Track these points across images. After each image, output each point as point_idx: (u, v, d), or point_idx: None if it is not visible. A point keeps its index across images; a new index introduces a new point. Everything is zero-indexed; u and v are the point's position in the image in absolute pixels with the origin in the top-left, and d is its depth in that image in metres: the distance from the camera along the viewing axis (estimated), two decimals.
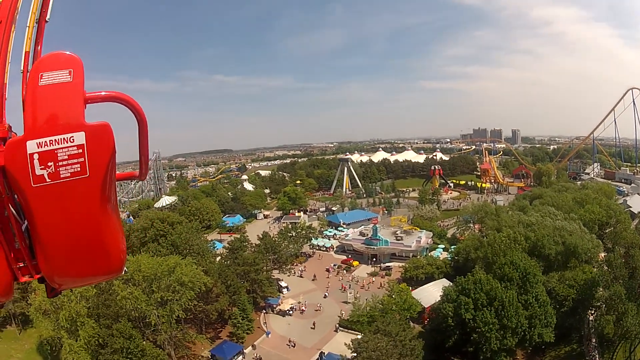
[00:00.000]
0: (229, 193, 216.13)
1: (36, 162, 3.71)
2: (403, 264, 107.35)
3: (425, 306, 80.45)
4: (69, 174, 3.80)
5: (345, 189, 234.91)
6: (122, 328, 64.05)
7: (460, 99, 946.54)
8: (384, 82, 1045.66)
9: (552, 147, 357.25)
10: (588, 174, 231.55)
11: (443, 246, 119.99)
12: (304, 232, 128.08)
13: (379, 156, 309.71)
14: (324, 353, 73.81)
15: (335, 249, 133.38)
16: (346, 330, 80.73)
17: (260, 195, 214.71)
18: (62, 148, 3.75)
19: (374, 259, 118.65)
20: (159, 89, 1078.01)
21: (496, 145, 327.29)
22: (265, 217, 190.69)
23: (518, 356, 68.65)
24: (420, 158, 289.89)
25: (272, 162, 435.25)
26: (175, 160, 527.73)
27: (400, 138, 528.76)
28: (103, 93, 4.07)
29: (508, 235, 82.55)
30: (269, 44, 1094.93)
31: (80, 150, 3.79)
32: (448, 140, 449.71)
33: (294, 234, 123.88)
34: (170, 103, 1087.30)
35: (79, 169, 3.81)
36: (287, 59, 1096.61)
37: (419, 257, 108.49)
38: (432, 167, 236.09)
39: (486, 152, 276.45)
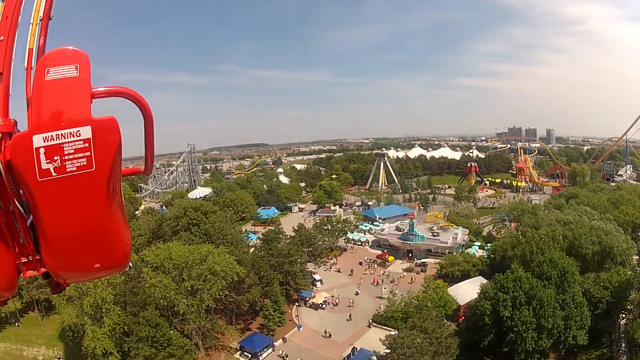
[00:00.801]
0: (264, 185, 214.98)
1: (42, 156, 3.69)
2: (438, 260, 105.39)
3: (461, 304, 79.04)
4: (75, 168, 3.78)
5: (381, 184, 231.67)
6: (149, 316, 62.89)
7: (495, 97, 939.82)
8: (420, 79, 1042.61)
9: (585, 147, 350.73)
10: (621, 175, 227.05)
11: (479, 244, 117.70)
12: (339, 225, 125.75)
13: (415, 152, 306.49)
14: (356, 348, 71.76)
15: (370, 243, 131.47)
16: (379, 326, 78.63)
17: (295, 188, 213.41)
18: (68, 142, 3.73)
19: (410, 255, 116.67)
20: (196, 82, 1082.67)
21: (531, 145, 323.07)
22: (301, 210, 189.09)
23: (550, 359, 66.18)
24: (457, 155, 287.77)
25: (308, 156, 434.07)
26: (210, 154, 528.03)
27: (436, 135, 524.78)
28: (109, 88, 4.05)
29: (547, 232, 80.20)
30: (308, 38, 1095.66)
31: (87, 145, 3.78)
32: (483, 138, 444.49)
33: (329, 227, 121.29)
34: (207, 96, 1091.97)
35: (85, 163, 3.80)
36: (326, 53, 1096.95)
37: (454, 254, 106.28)
38: (469, 164, 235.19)
39: (521, 150, 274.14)
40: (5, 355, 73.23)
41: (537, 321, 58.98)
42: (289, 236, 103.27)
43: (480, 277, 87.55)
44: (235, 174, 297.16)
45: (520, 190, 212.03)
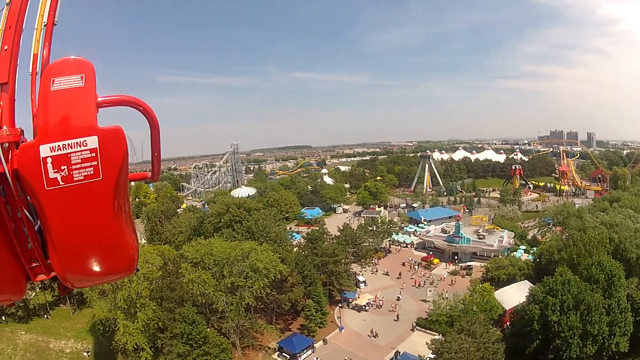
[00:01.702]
0: (308, 186, 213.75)
1: (50, 165, 3.75)
2: (484, 264, 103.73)
3: (507, 308, 76.51)
4: (83, 177, 3.84)
5: (426, 186, 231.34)
6: (186, 312, 62.01)
7: (536, 100, 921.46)
8: (461, 80, 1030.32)
9: (625, 151, 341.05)
10: None
11: (524, 247, 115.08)
12: (384, 226, 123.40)
13: (459, 155, 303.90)
14: (399, 352, 69.43)
15: (415, 245, 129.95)
16: (423, 329, 76.99)
17: (340, 189, 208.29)
18: (75, 152, 3.79)
19: (455, 257, 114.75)
20: (237, 84, 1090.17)
21: (573, 148, 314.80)
22: (345, 211, 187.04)
23: None
24: (500, 158, 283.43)
25: (352, 158, 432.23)
26: (253, 155, 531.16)
27: (479, 139, 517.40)
28: (115, 97, 4.13)
29: (595, 235, 78.01)
30: (347, 40, 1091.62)
31: (94, 154, 3.83)
32: (526, 141, 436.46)
33: (374, 228, 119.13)
34: (249, 98, 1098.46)
35: (92, 172, 3.86)
36: (366, 55, 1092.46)
37: (500, 257, 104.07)
38: (513, 167, 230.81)
39: (564, 154, 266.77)
40: (30, 347, 72.38)
41: (583, 327, 56.80)
42: (333, 236, 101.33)
43: (526, 281, 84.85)
44: (279, 175, 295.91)
45: (564, 194, 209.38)
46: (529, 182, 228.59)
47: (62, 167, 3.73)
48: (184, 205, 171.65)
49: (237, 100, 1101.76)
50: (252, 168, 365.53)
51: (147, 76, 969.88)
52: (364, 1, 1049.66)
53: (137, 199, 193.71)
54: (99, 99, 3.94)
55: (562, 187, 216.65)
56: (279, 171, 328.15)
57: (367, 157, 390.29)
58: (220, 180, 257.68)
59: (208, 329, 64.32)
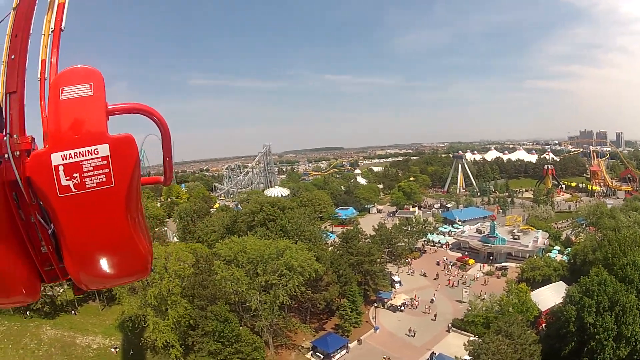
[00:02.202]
0: (342, 187, 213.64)
1: (62, 173, 3.81)
2: (518, 264, 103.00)
3: (542, 310, 75.25)
4: (95, 184, 3.89)
5: (459, 186, 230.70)
6: (218, 310, 61.53)
7: (565, 100, 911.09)
8: (491, 81, 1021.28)
9: None
10: None
11: (558, 248, 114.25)
12: (419, 226, 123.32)
13: (491, 155, 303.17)
14: (434, 353, 68.54)
15: (450, 246, 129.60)
16: (459, 331, 75.95)
17: (374, 189, 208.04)
18: (87, 160, 3.84)
19: (491, 258, 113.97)
20: (269, 87, 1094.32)
21: (602, 148, 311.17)
22: (379, 211, 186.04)
23: None
24: (532, 158, 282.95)
25: (384, 160, 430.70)
26: (286, 156, 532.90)
27: (510, 139, 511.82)
28: (125, 105, 4.19)
29: (629, 234, 77.77)
30: (377, 42, 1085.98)
31: (105, 162, 3.89)
32: (556, 142, 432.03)
33: (409, 228, 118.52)
34: (281, 100, 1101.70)
35: (104, 179, 3.90)
36: (396, 57, 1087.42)
37: (535, 257, 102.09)
38: (545, 167, 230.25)
39: (594, 154, 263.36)
40: (55, 342, 72.43)
41: (617, 328, 55.40)
42: (368, 235, 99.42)
43: (561, 282, 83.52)
44: (312, 175, 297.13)
45: (595, 194, 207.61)
46: (561, 182, 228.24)
47: (74, 175, 3.77)
48: (216, 205, 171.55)
49: (269, 103, 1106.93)
50: (284, 169, 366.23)
51: (180, 80, 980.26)
52: (392, 4, 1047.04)
53: (169, 199, 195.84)
54: (109, 107, 3.96)
55: (594, 187, 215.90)
56: (312, 172, 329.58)
57: (400, 158, 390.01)
58: (252, 181, 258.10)
59: (240, 327, 63.71)
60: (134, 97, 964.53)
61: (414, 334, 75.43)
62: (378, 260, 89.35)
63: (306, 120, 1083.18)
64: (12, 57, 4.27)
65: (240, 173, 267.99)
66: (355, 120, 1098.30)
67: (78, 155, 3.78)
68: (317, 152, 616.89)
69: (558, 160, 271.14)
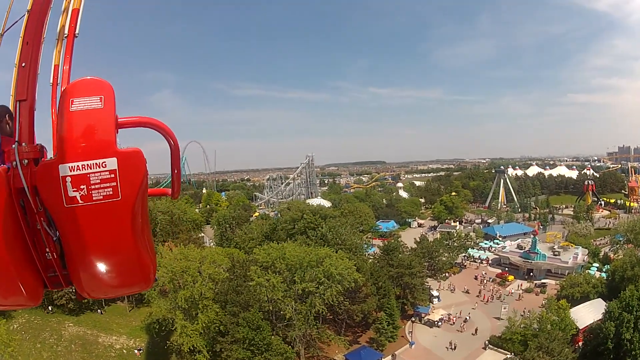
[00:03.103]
0: (384, 200, 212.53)
1: (69, 184, 3.82)
2: (557, 281, 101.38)
3: (580, 327, 73.56)
4: (102, 197, 3.90)
5: (501, 202, 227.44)
6: (251, 317, 60.85)
7: (604, 114, 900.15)
8: (532, 96, 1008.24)
9: None
10: None
11: (597, 265, 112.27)
12: (460, 241, 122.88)
13: (532, 171, 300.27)
14: None
15: (490, 261, 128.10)
16: (496, 348, 73.90)
17: (415, 202, 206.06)
18: (94, 172, 3.86)
19: (530, 274, 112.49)
20: (312, 99, 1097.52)
21: None
22: (420, 225, 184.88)
23: None
24: (573, 174, 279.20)
25: (426, 174, 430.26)
26: (328, 169, 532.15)
27: (550, 156, 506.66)
28: (135, 118, 4.29)
29: None
30: (421, 55, 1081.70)
31: (113, 175, 3.91)
32: (595, 158, 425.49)
33: (450, 242, 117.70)
34: (323, 113, 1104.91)
35: (111, 193, 3.91)
36: (439, 70, 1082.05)
37: (574, 274, 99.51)
38: (586, 182, 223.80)
39: (632, 170, 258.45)
40: (77, 339, 73.11)
41: None
42: (409, 248, 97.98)
43: (599, 299, 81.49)
44: (354, 188, 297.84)
45: (633, 210, 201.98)
46: (600, 199, 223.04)
47: (82, 187, 3.80)
48: (255, 214, 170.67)
49: (312, 115, 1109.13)
50: (326, 182, 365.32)
51: (223, 89, 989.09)
52: (436, 16, 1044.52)
53: (207, 206, 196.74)
54: (119, 120, 3.99)
55: (632, 204, 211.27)
56: (354, 184, 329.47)
57: (442, 173, 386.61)
58: (293, 191, 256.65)
59: (272, 336, 62.69)
60: (179, 104, 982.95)
61: (455, 347, 74.28)
62: (418, 273, 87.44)
63: (348, 133, 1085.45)
64: (23, 64, 4.19)
65: (282, 183, 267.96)
66: (398, 134, 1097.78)
67: (86, 167, 3.77)
68: (359, 165, 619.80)
69: (598, 176, 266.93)
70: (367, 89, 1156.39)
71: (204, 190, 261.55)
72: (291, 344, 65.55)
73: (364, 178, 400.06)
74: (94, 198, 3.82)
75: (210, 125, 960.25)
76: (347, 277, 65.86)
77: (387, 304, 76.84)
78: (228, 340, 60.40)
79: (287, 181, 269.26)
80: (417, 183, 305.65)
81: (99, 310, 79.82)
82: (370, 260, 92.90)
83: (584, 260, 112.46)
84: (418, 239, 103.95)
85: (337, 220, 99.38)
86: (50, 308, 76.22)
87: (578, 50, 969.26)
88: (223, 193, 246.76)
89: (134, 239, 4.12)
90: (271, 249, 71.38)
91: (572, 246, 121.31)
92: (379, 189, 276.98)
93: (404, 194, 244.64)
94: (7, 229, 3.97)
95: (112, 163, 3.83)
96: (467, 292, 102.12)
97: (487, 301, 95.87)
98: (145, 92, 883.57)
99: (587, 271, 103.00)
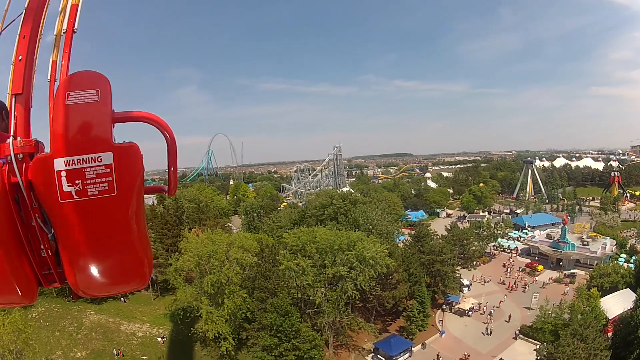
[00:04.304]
0: (412, 190, 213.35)
1: (64, 179, 3.72)
2: (587, 272, 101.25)
3: (609, 318, 72.78)
4: (97, 192, 3.81)
5: (528, 193, 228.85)
6: (279, 303, 58.85)
7: (627, 107, 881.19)
8: (556, 89, 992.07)
9: None
10: None
11: (624, 256, 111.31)
12: (490, 230, 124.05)
13: (559, 162, 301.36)
14: None
15: (519, 251, 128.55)
16: (526, 338, 74.12)
17: (444, 192, 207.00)
18: (90, 167, 3.76)
19: (560, 264, 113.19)
20: (338, 92, 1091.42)
21: None
22: (448, 215, 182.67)
23: None
24: (599, 165, 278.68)
25: (453, 166, 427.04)
26: (355, 161, 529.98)
27: (575, 149, 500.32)
28: (131, 113, 4.18)
29: None
30: (446, 48, 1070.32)
31: (108, 170, 3.82)
32: (620, 151, 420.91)
33: (480, 231, 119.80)
34: (349, 106, 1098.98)
35: (106, 188, 3.82)
36: (465, 63, 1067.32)
37: (603, 265, 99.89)
38: (612, 174, 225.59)
39: None
40: (98, 327, 73.08)
41: None
42: (440, 235, 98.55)
43: (628, 289, 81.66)
44: (382, 178, 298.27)
45: None
46: (626, 191, 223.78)
47: (77, 182, 3.69)
48: (283, 205, 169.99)
49: (338, 108, 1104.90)
50: (353, 173, 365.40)
51: (249, 85, 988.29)
52: (458, 9, 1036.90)
53: (235, 197, 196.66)
54: (115, 115, 3.91)
55: None
56: (382, 175, 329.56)
57: (469, 165, 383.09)
58: (321, 183, 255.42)
59: (301, 323, 61.40)
60: (205, 100, 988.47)
61: (490, 332, 75.38)
62: (449, 260, 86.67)
63: (374, 126, 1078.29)
64: (20, 58, 4.08)
65: (309, 175, 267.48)
66: (424, 126, 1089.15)
67: (81, 162, 3.67)
68: (386, 157, 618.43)
69: (623, 168, 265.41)
70: (393, 82, 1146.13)
71: (231, 182, 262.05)
72: (320, 331, 64.61)
73: (391, 170, 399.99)
74: (89, 193, 3.69)
75: (237, 120, 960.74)
76: (379, 262, 64.71)
77: (418, 292, 76.17)
78: (255, 327, 59.98)
79: (314, 172, 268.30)
80: (445, 174, 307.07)
81: (122, 299, 79.81)
82: (401, 246, 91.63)
83: (612, 251, 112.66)
84: (449, 226, 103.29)
85: (368, 206, 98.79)
86: (71, 296, 75.64)
87: (599, 43, 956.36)
88: (250, 184, 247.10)
89: (129, 234, 4.04)
90: (301, 233, 70.75)
91: (600, 237, 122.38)
92: (407, 180, 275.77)
93: (432, 184, 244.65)
94: (2, 225, 3.80)
95: (108, 157, 3.71)
96: (503, 282, 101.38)
97: (511, 289, 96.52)
98: (171, 87, 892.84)
99: (615, 262, 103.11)
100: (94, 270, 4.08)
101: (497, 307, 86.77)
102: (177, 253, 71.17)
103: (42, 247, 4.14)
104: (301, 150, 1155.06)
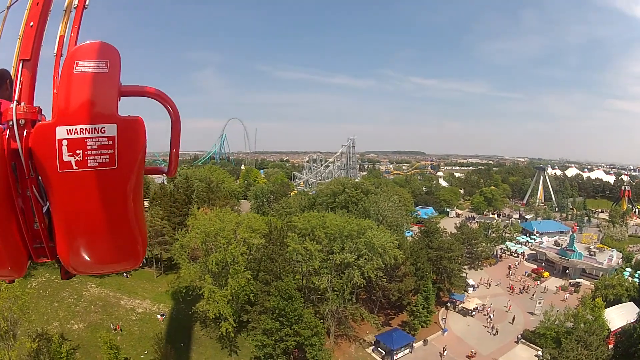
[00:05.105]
0: (423, 187, 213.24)
1: (65, 148, 3.70)
2: (591, 282, 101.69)
3: (612, 329, 73.24)
4: (97, 164, 3.77)
5: (539, 199, 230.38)
6: (283, 286, 58.39)
7: None
8: (573, 98, 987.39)
9: None
10: None
11: (630, 270, 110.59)
12: (499, 232, 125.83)
13: (571, 172, 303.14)
14: None
15: (526, 256, 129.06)
16: (528, 343, 74.52)
17: (455, 192, 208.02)
18: (92, 137, 3.73)
19: (566, 272, 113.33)
20: (356, 85, 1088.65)
21: None
22: (458, 215, 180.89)
23: None
24: (610, 179, 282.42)
25: (465, 168, 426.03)
26: (367, 156, 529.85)
27: (588, 161, 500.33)
28: (137, 87, 4.11)
29: None
30: (465, 49, 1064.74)
31: (111, 142, 3.79)
32: (632, 167, 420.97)
33: (488, 232, 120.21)
34: (365, 100, 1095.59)
35: (107, 160, 3.79)
36: (483, 65, 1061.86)
37: (608, 276, 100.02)
38: (623, 187, 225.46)
39: None
40: (97, 300, 73.34)
41: None
42: (449, 233, 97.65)
43: (631, 303, 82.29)
44: (394, 173, 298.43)
45: None
46: (635, 206, 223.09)
47: (77, 152, 3.66)
48: (293, 193, 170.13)
49: (354, 101, 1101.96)
50: (365, 167, 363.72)
51: (267, 71, 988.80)
52: (479, 10, 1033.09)
53: (245, 182, 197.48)
54: (122, 88, 3.83)
55: None
56: (394, 170, 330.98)
57: (481, 168, 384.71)
58: (333, 174, 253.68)
59: (304, 308, 61.23)
60: (222, 84, 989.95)
61: (497, 332, 76.40)
62: (457, 258, 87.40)
63: (390, 121, 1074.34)
64: (31, 24, 4.09)
65: (321, 165, 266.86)
66: (439, 126, 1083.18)
67: (84, 131, 3.64)
68: (399, 154, 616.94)
69: (634, 184, 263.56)
70: (411, 78, 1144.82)
71: (243, 167, 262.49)
72: (323, 319, 64.56)
73: (403, 166, 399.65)
74: (89, 165, 3.65)
75: (252, 107, 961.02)
76: (388, 252, 64.73)
77: (424, 287, 75.90)
78: (257, 309, 59.89)
79: (326, 163, 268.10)
80: (457, 174, 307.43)
81: (125, 274, 79.92)
82: (409, 240, 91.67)
83: (618, 263, 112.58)
84: (458, 224, 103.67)
85: (380, 196, 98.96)
86: None
87: (619, 55, 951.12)
88: (262, 170, 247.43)
89: (126, 211, 3.98)
90: (311, 217, 70.84)
91: (607, 248, 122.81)
92: (419, 177, 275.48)
93: (443, 183, 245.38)
94: None
95: (111, 129, 3.67)
96: (513, 289, 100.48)
97: (513, 291, 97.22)
98: (189, 69, 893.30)
99: (620, 274, 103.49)
100: (87, 246, 4.04)
101: (505, 310, 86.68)
102: (184, 229, 70.78)
103: (35, 219, 4.11)
104: (315, 140, 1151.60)
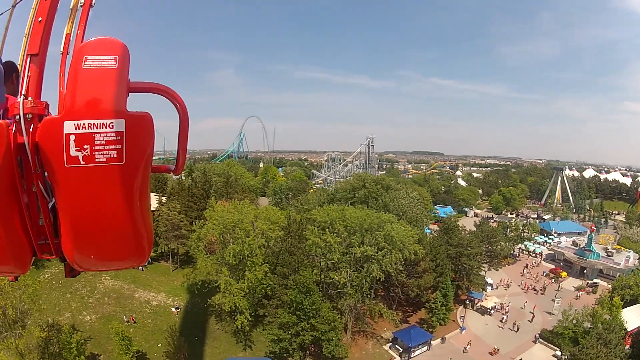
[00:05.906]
0: (442, 187, 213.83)
1: (72, 142, 3.66)
2: (609, 283, 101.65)
3: (629, 329, 72.15)
4: (105, 159, 3.73)
5: (556, 200, 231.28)
6: (302, 280, 58.06)
7: None
8: (590, 100, 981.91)
9: None
10: None
11: None
12: (518, 231, 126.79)
13: (588, 173, 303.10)
14: None
15: (544, 256, 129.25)
16: (546, 342, 74.04)
17: (474, 191, 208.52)
18: (100, 132, 3.70)
19: (584, 272, 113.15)
20: (374, 86, 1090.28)
21: None
22: (476, 215, 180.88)
23: None
24: (627, 180, 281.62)
25: (483, 168, 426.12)
26: (386, 156, 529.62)
27: (604, 163, 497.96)
28: (146, 84, 4.13)
29: None
30: (483, 50, 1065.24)
31: (119, 138, 3.75)
32: None
33: (507, 231, 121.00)
34: (384, 101, 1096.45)
35: (115, 156, 3.75)
36: (501, 67, 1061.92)
37: (625, 276, 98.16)
38: (639, 190, 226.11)
39: None
40: (111, 292, 73.14)
41: None
42: (468, 231, 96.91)
43: None
44: (412, 173, 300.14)
45: None
46: None
47: (85, 147, 3.62)
48: (311, 190, 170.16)
49: (373, 102, 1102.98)
50: (384, 166, 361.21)
51: (286, 71, 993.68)
52: (499, 11, 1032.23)
53: (263, 179, 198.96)
54: (131, 84, 3.83)
55: None
56: (412, 170, 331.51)
57: (499, 168, 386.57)
58: (351, 173, 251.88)
59: (322, 303, 60.90)
60: (240, 83, 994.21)
61: (518, 328, 76.56)
62: (476, 256, 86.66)
63: (408, 122, 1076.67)
64: (39, 19, 4.08)
65: (340, 164, 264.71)
66: (457, 127, 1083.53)
67: (92, 126, 3.61)
68: (417, 155, 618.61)
69: None
70: (430, 79, 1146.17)
71: (261, 165, 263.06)
72: (341, 314, 64.00)
73: (422, 167, 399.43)
74: (96, 160, 3.62)
75: (270, 107, 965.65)
76: (408, 247, 64.10)
77: (443, 284, 75.41)
78: (274, 303, 59.36)
79: (345, 162, 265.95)
80: (475, 175, 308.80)
81: (141, 268, 79.49)
82: (429, 237, 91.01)
83: (634, 264, 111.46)
84: (478, 222, 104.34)
85: (400, 192, 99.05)
86: None
87: (634, 57, 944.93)
88: (280, 169, 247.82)
89: (132, 208, 3.91)
90: (330, 210, 70.55)
91: (624, 249, 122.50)
92: (437, 177, 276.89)
93: (462, 182, 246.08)
94: (3, 187, 3.71)
95: (119, 125, 3.63)
96: (536, 290, 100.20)
97: (527, 290, 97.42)
98: (208, 68, 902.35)
99: (637, 274, 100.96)
100: (92, 243, 3.96)
101: (521, 308, 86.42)
102: (201, 220, 70.39)
103: (40, 215, 4.05)
104: (333, 141, 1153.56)
